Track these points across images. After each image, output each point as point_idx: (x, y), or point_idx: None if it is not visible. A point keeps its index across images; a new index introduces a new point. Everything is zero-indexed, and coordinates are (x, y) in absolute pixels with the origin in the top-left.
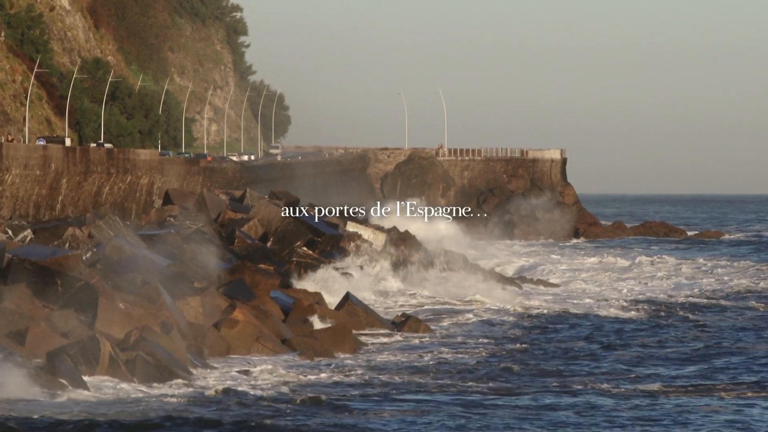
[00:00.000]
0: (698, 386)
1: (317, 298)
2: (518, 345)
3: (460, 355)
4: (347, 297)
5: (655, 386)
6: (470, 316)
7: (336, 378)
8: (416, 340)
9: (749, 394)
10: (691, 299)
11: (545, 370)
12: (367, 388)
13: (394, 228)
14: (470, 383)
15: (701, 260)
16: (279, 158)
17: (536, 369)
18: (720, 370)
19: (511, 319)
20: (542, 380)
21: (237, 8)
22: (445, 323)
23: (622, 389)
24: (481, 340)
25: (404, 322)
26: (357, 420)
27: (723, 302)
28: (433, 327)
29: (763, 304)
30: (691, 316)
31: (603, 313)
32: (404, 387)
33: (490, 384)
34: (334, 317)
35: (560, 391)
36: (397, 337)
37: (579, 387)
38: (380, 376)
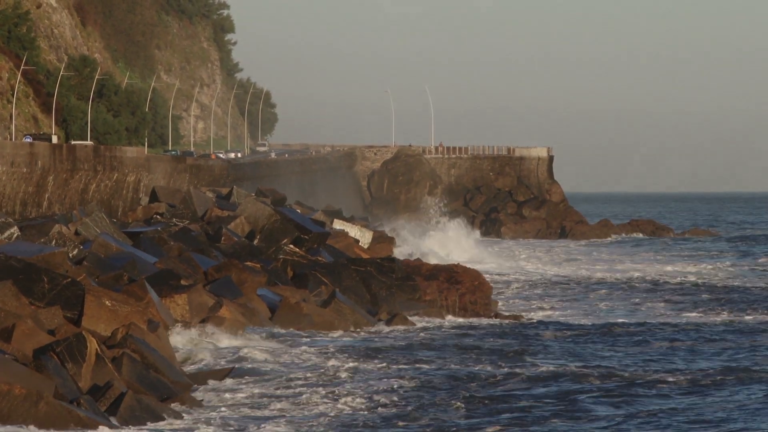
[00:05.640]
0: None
1: (304, 295)
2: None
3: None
4: (333, 295)
5: None
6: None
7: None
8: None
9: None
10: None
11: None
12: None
13: (381, 224)
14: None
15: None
16: (273, 155)
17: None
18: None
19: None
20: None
21: (224, 6)
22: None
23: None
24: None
25: (391, 319)
26: None
27: None
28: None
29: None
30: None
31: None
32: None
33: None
34: (321, 315)
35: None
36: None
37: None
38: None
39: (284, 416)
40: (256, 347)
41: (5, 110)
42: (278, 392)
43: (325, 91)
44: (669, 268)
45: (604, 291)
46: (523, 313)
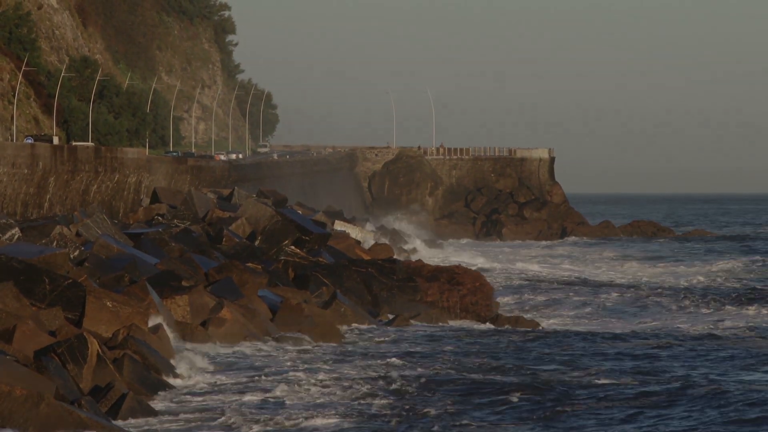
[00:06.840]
0: None
1: (305, 296)
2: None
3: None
4: (335, 296)
5: None
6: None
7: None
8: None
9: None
10: None
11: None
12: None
13: (382, 226)
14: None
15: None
16: (276, 156)
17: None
18: None
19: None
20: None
21: (225, 7)
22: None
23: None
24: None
25: (392, 320)
26: None
27: None
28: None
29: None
30: None
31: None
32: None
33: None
34: (322, 316)
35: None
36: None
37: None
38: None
39: (281, 415)
40: (255, 347)
41: (6, 111)
42: (276, 390)
43: (326, 92)
44: (669, 269)
45: (605, 293)
46: (525, 315)
